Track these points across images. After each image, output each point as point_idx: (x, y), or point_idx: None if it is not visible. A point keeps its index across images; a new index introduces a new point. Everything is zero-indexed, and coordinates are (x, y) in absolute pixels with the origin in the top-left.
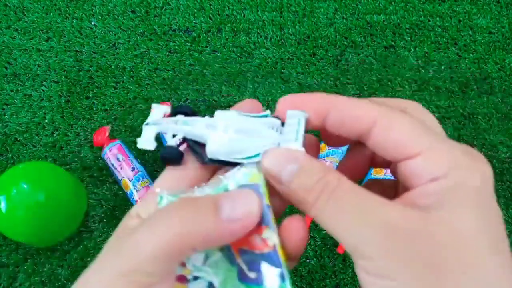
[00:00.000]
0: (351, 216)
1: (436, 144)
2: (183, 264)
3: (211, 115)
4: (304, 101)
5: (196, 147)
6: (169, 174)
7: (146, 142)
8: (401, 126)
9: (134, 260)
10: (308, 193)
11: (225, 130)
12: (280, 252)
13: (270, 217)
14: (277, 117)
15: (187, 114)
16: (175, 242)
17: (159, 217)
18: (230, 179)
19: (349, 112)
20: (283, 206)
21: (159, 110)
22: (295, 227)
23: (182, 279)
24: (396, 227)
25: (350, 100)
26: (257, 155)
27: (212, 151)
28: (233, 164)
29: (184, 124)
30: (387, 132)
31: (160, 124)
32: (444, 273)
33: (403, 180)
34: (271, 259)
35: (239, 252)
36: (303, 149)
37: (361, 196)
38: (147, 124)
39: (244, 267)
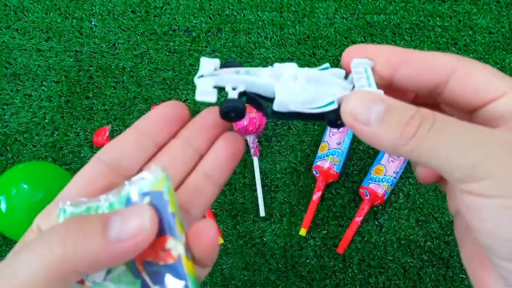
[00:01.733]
0: (463, 138)
1: None
2: (81, 281)
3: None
4: (374, 51)
5: (259, 99)
6: (80, 178)
7: (205, 94)
8: (481, 71)
9: (12, 284)
10: (403, 129)
11: (295, 79)
12: (184, 263)
13: (175, 226)
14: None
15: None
16: (56, 266)
17: (45, 236)
18: (133, 185)
19: (426, 62)
20: None
21: (209, 63)
22: (204, 231)
23: None
24: None
25: (423, 52)
26: (332, 102)
27: (283, 101)
28: (302, 116)
29: (246, 74)
30: (468, 78)
31: (218, 75)
32: None
33: (485, 122)
34: (175, 270)
35: (142, 264)
36: (381, 91)
37: (464, 123)
38: (201, 76)
39: (148, 280)
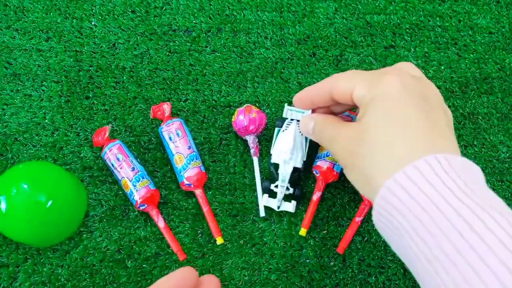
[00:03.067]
0: (329, 133)
1: (364, 78)
2: None
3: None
4: (306, 97)
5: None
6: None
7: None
8: (344, 79)
9: None
10: (310, 128)
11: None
12: None
13: None
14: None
15: None
16: None
17: None
18: None
19: (320, 91)
20: None
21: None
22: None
23: None
24: (347, 135)
25: (318, 85)
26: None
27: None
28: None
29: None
30: (336, 89)
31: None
32: (358, 155)
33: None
34: None
35: None
36: (309, 111)
37: (334, 126)
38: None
39: None
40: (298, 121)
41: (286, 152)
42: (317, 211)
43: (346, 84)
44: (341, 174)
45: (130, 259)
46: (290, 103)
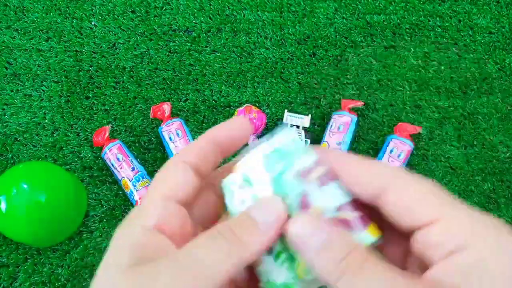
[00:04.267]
0: None
1: (454, 212)
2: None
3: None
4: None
5: None
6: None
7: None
8: (416, 188)
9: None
10: (335, 267)
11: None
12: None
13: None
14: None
15: None
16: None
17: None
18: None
19: (359, 176)
20: None
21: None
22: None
23: None
24: None
25: (361, 162)
26: None
27: None
28: None
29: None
30: (398, 197)
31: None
32: None
33: (418, 250)
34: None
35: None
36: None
37: (387, 277)
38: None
39: None
40: (297, 127)
41: None
42: None
43: (419, 205)
44: None
45: None
46: (290, 104)
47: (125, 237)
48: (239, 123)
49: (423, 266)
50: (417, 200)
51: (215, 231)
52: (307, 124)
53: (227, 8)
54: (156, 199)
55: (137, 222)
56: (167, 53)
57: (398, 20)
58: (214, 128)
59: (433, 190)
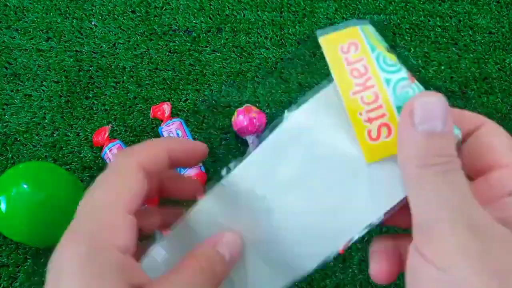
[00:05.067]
0: (441, 207)
1: None
2: None
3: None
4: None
5: None
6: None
7: None
8: (501, 135)
9: None
10: (425, 157)
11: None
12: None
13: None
14: None
15: None
16: None
17: None
18: None
19: (459, 113)
20: None
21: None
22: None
23: None
24: (485, 233)
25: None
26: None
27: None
28: None
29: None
30: (491, 136)
31: None
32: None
33: (483, 190)
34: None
35: None
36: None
37: (462, 193)
38: None
39: None
40: None
41: None
42: None
43: (500, 140)
44: None
45: None
46: (290, 104)
47: (98, 258)
48: (195, 144)
49: None
50: (502, 143)
51: (188, 261)
52: None
53: (227, 8)
54: (120, 215)
55: (107, 241)
56: (167, 53)
57: (398, 20)
58: (171, 140)
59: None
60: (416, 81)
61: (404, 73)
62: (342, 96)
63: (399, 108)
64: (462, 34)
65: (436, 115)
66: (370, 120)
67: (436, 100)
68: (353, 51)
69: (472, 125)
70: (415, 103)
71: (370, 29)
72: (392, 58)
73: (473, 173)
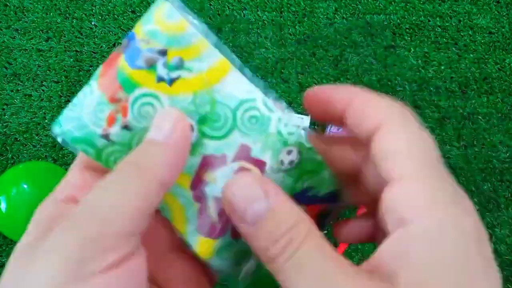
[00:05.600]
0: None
1: (421, 172)
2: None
3: None
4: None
5: None
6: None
7: None
8: (369, 99)
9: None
10: (271, 245)
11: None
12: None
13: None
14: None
15: None
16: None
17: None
18: None
19: (328, 96)
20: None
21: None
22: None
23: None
24: None
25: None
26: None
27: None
28: None
29: None
30: (358, 108)
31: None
32: None
33: (380, 215)
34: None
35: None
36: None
37: (326, 263)
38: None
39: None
40: (297, 127)
41: None
42: None
43: (367, 110)
44: None
45: None
46: (290, 104)
47: (36, 213)
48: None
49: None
50: (396, 152)
51: (116, 169)
52: (307, 124)
53: (227, 8)
54: (74, 170)
55: (51, 196)
56: None
57: (398, 20)
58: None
59: (378, 98)
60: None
61: None
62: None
63: None
64: (462, 34)
65: (254, 196)
66: None
67: (245, 182)
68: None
69: (369, 125)
70: (227, 193)
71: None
72: None
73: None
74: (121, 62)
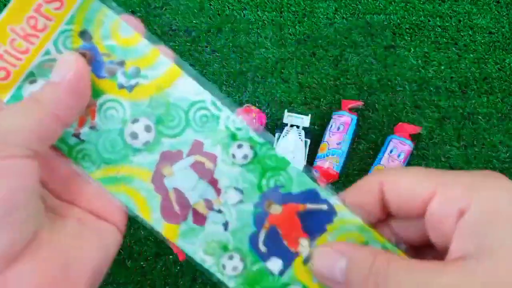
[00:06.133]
0: None
1: (445, 179)
2: (219, 192)
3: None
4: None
5: None
6: None
7: None
8: (407, 175)
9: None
10: (365, 286)
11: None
12: (296, 262)
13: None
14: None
15: None
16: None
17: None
18: None
19: (359, 190)
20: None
21: None
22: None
23: (208, 204)
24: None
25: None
26: None
27: None
28: None
29: None
30: (396, 186)
31: None
32: None
33: (433, 232)
34: (285, 255)
35: (268, 227)
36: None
37: (415, 270)
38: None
39: (262, 237)
40: (297, 127)
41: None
42: None
43: (411, 182)
44: (341, 174)
45: (130, 259)
46: (290, 104)
47: None
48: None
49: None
50: (408, 183)
51: (19, 102)
52: (307, 124)
53: (227, 8)
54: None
55: None
56: None
57: (398, 20)
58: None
59: (420, 172)
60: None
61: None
62: (1, 19)
63: (31, 74)
64: (462, 34)
65: (335, 259)
66: (4, 58)
67: (323, 251)
68: (53, 7)
69: (421, 201)
70: (317, 267)
71: (94, 5)
72: (74, 43)
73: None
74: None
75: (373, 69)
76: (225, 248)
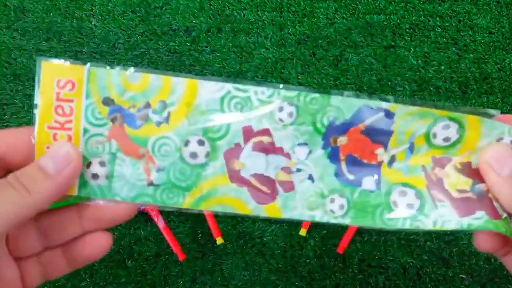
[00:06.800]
0: None
1: None
2: (288, 156)
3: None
4: None
5: None
6: None
7: None
8: None
9: None
10: None
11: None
12: (383, 169)
13: (388, 140)
14: None
15: None
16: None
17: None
18: None
19: None
20: None
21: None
22: (96, 243)
23: (286, 170)
24: None
25: None
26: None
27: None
28: None
29: None
30: None
31: None
32: None
33: None
34: (372, 170)
35: (345, 158)
36: None
37: None
38: None
39: (344, 168)
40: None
41: None
42: None
43: None
44: None
45: (130, 259)
46: None
47: None
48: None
49: None
50: None
51: (4, 180)
52: None
53: (227, 8)
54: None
55: None
56: (167, 53)
57: (398, 20)
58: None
59: None
60: (113, 140)
61: (106, 129)
62: (38, 125)
63: (85, 159)
64: (462, 34)
65: (507, 156)
66: None
67: (496, 148)
68: (68, 89)
69: None
70: (486, 157)
71: (99, 73)
72: (102, 112)
73: None
74: (127, 130)
75: (373, 69)
76: (322, 196)
